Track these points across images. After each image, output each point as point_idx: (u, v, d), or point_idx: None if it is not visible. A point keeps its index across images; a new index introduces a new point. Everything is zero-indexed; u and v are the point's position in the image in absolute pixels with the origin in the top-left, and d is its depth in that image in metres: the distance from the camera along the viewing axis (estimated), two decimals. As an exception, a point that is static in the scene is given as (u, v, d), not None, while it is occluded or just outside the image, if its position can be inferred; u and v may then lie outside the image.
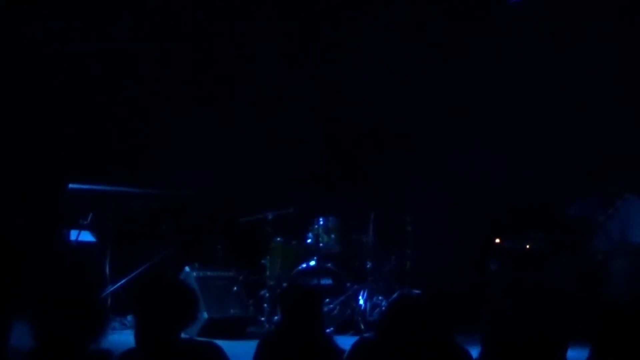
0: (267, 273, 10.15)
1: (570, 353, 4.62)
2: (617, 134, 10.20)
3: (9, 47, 10.26)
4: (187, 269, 9.80)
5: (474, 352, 4.68)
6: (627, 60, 10.27)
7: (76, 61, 10.56)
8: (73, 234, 10.03)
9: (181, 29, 10.95)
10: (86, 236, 10.06)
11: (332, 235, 10.38)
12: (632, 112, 10.28)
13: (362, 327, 9.78)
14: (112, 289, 9.71)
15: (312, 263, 10.12)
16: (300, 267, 10.12)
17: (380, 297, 10.12)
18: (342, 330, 9.75)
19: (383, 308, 9.71)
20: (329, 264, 10.13)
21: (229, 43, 11.20)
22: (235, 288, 9.87)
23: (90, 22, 10.52)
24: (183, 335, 4.49)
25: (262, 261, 10.21)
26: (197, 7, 10.92)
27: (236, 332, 9.37)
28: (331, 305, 9.86)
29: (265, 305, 9.94)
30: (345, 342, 5.14)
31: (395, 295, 9.49)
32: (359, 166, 11.56)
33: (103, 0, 10.57)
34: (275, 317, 9.49)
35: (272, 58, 11.26)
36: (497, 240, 10.17)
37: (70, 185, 10.08)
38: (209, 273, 9.84)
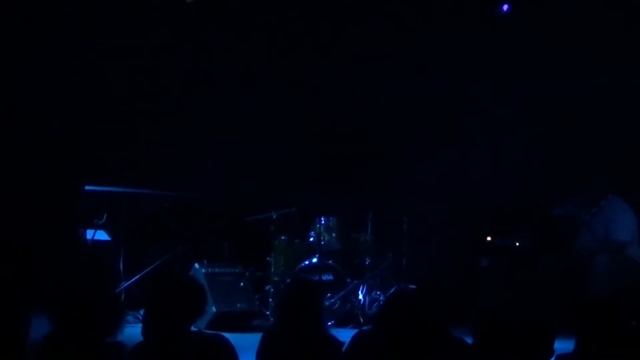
0: (272, 269, 10.13)
1: (557, 345, 4.62)
2: (600, 139, 10.19)
3: (30, 55, 10.26)
4: (196, 265, 9.77)
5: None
6: (613, 65, 10.24)
7: (92, 71, 10.54)
8: (89, 233, 10.02)
9: (185, 36, 10.93)
10: (101, 235, 10.05)
11: (333, 234, 10.37)
12: (615, 116, 10.27)
13: (361, 320, 9.76)
14: (125, 284, 9.70)
15: (314, 260, 10.11)
16: (302, 264, 10.11)
17: (378, 292, 10.11)
18: (342, 323, 9.74)
19: (381, 302, 9.68)
20: (330, 261, 10.12)
21: (231, 46, 11.17)
22: (241, 283, 9.85)
23: (105, 36, 10.50)
24: (192, 328, 4.48)
25: (267, 258, 10.19)
26: (201, 17, 10.91)
27: (242, 325, 9.35)
28: (332, 300, 9.85)
29: (270, 299, 9.92)
30: (345, 334, 5.12)
31: (392, 290, 9.50)
32: (358, 169, 11.56)
33: (117, 16, 10.55)
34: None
35: (275, 62, 11.24)
36: (488, 238, 10.18)
37: (87, 187, 10.08)
38: (216, 269, 9.81)
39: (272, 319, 9.66)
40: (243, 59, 11.24)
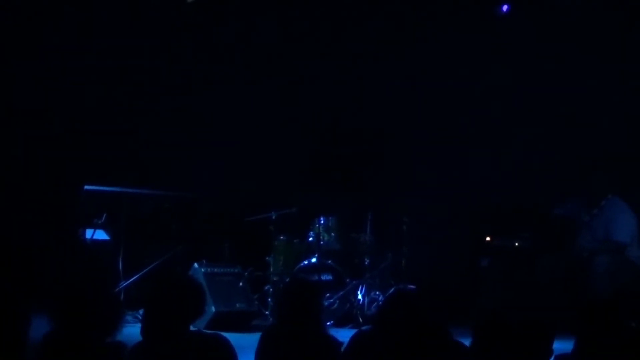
0: (271, 269, 10.13)
1: (557, 345, 4.63)
2: (600, 139, 10.20)
3: (30, 55, 10.27)
4: (195, 265, 9.77)
5: (466, 342, 4.68)
6: (613, 65, 10.24)
7: (92, 71, 10.55)
8: (88, 233, 10.01)
9: (185, 36, 10.94)
10: (101, 235, 10.04)
11: (332, 234, 10.37)
12: (615, 116, 10.27)
13: (360, 320, 9.75)
14: (125, 284, 9.70)
15: (313, 260, 10.11)
16: (302, 264, 10.10)
17: (377, 292, 10.10)
18: (341, 323, 9.72)
19: (380, 302, 9.68)
20: (329, 261, 10.11)
21: (231, 46, 11.17)
22: (241, 283, 9.84)
23: (105, 35, 10.51)
24: (192, 327, 4.49)
25: (267, 258, 10.19)
26: (201, 17, 10.91)
27: (242, 325, 9.35)
28: (331, 300, 9.85)
29: (269, 299, 9.92)
30: (344, 334, 5.13)
31: (391, 290, 9.50)
32: (358, 169, 11.56)
33: (117, 16, 10.56)
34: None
35: (275, 62, 11.24)
36: (488, 239, 10.18)
37: (86, 187, 10.08)
38: (216, 269, 9.80)
39: (271, 318, 9.65)
40: (243, 59, 11.24)
